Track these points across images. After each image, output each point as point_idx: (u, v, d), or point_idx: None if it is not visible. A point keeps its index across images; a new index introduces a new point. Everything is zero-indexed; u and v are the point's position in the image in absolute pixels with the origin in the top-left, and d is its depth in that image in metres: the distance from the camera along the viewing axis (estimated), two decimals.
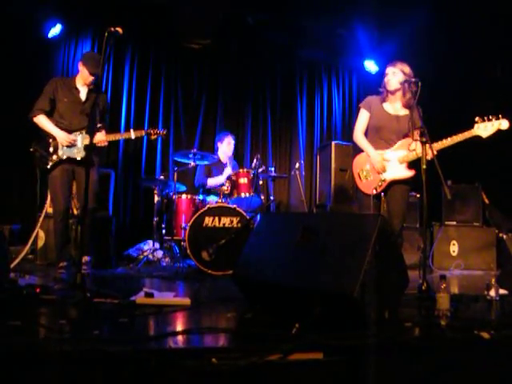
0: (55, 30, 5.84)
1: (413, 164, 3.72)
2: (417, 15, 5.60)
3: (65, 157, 4.10)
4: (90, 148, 3.17)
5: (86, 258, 4.14)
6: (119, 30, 3.17)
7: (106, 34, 3.14)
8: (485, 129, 3.47)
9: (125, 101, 6.19)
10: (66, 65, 6.04)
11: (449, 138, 3.53)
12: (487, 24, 5.61)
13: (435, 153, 3.33)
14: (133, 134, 4.32)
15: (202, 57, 6.53)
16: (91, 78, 4.22)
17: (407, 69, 3.71)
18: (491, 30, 5.62)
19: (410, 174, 3.72)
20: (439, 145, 3.53)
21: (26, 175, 5.50)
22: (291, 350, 1.84)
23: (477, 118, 3.50)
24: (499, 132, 3.48)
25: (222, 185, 4.96)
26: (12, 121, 5.29)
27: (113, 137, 4.32)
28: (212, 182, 5.49)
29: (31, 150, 4.12)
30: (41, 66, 5.79)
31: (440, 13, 5.73)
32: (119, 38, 3.20)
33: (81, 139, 4.14)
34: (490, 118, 3.47)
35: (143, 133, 4.41)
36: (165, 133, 4.52)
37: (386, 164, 3.74)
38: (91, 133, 3.61)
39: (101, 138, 4.20)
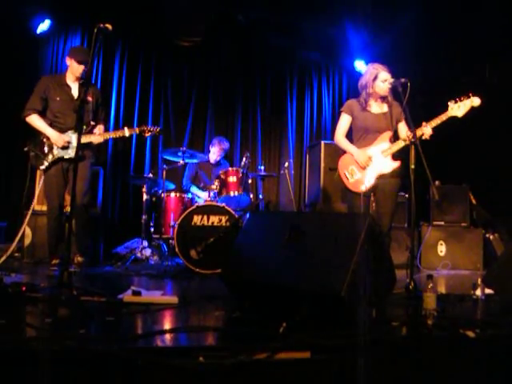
0: (44, 26, 5.76)
1: (398, 157, 3.76)
2: (407, 16, 5.63)
3: (60, 157, 4.11)
4: (78, 146, 3.11)
5: (79, 259, 4.11)
6: (108, 26, 3.14)
7: (96, 30, 3.12)
8: (459, 108, 3.59)
9: (114, 98, 6.14)
10: (54, 61, 5.97)
11: (428, 123, 3.62)
12: (476, 25, 5.66)
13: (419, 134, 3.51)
14: (127, 132, 4.25)
15: (193, 55, 6.50)
16: (80, 70, 4.15)
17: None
18: (480, 30, 5.67)
19: (395, 165, 3.75)
20: (420, 130, 3.60)
21: (12, 172, 5.45)
22: (279, 348, 1.85)
23: (449, 101, 3.62)
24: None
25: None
26: None
27: (107, 135, 4.28)
28: (195, 191, 5.47)
29: (26, 149, 4.10)
30: (29, 62, 5.72)
31: (430, 13, 5.77)
32: (109, 34, 3.17)
33: (75, 138, 4.09)
34: (462, 98, 3.60)
35: (137, 130, 4.35)
36: (159, 130, 4.42)
37: (370, 159, 3.76)
38: (80, 129, 3.35)
39: (97, 138, 4.16)
